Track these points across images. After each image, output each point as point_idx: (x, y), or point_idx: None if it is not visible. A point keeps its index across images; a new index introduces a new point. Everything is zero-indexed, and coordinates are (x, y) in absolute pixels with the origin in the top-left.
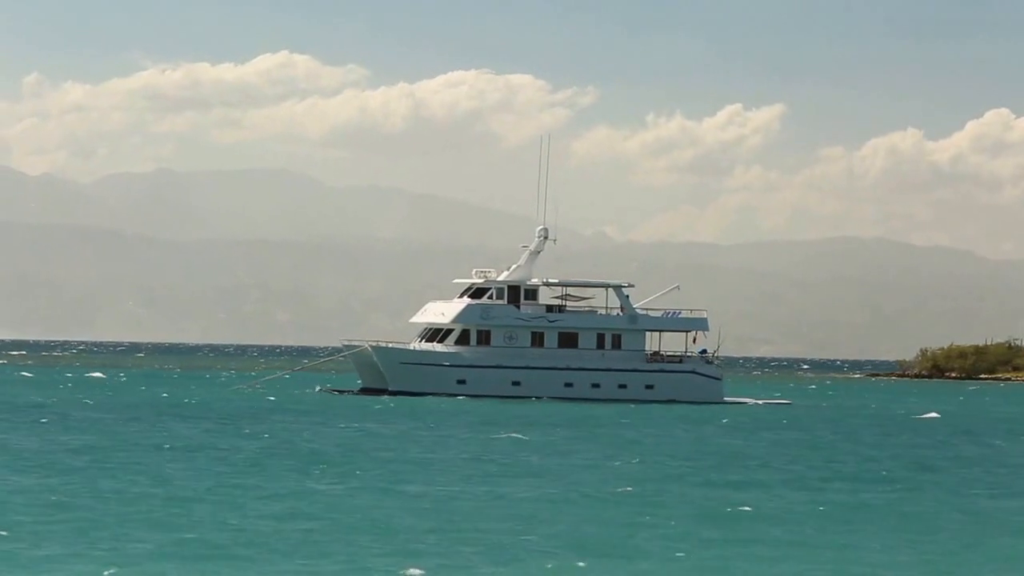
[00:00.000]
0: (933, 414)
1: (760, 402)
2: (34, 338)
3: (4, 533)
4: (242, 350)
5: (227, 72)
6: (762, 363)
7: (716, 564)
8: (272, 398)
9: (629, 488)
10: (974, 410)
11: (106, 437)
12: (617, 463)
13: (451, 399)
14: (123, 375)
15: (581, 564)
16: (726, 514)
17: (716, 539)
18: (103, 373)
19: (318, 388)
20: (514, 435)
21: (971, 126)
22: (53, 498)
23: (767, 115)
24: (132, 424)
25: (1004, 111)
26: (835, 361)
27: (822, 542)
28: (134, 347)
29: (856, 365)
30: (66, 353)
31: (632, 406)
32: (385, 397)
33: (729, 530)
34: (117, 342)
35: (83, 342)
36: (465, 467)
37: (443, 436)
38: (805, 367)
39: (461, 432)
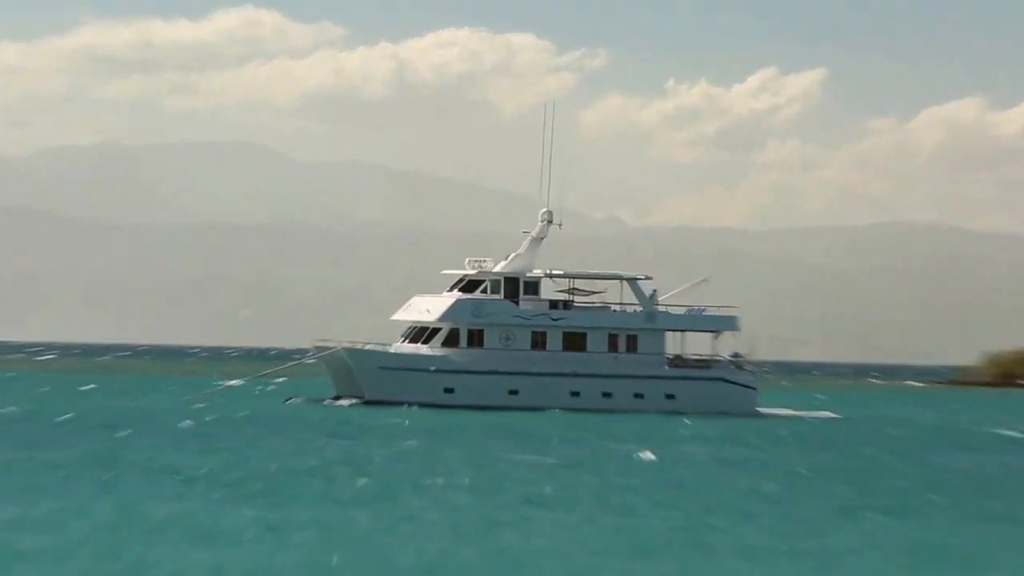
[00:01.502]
0: None
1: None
2: None
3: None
4: (216, 352)
5: (182, 31)
6: (822, 368)
7: None
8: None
9: (845, 520)
10: None
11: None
12: (774, 486)
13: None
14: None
15: None
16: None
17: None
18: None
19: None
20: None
21: None
22: None
23: (806, 81)
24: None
25: None
26: (903, 368)
27: None
28: (90, 349)
29: (929, 372)
30: (22, 356)
31: (706, 419)
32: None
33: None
34: (53, 343)
35: (15, 343)
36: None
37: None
38: (875, 375)
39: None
